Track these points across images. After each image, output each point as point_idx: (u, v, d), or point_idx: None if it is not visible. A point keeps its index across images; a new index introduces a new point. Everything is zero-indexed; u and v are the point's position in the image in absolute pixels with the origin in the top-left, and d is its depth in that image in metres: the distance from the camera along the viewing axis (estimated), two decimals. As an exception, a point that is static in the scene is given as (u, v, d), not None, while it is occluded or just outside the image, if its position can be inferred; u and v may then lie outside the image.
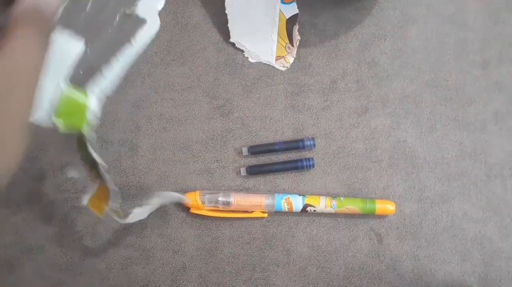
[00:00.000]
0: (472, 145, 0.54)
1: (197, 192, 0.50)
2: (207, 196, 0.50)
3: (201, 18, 0.56)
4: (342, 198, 0.50)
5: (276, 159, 0.53)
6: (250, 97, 0.54)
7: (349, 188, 0.52)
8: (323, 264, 0.50)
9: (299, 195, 0.50)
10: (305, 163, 0.51)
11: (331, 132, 0.54)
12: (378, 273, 0.50)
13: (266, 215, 0.50)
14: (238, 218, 0.51)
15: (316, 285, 0.50)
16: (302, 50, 0.55)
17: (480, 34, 0.57)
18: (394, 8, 0.57)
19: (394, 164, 0.53)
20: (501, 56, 0.56)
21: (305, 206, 0.49)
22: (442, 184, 0.53)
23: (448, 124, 0.54)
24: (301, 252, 0.50)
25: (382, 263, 0.50)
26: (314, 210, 0.49)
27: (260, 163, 0.53)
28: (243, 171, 0.52)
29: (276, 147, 0.52)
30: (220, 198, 0.49)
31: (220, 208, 0.50)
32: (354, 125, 0.54)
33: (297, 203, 0.49)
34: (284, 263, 0.50)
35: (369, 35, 0.56)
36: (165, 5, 0.55)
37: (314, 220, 0.51)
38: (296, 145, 0.52)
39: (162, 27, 0.55)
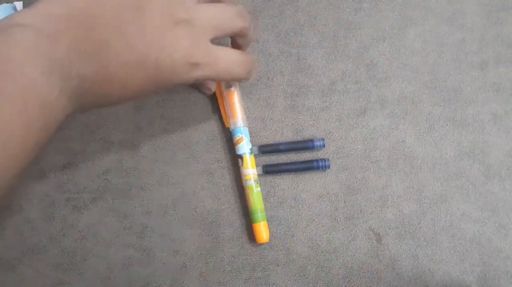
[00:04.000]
0: (471, 146, 0.54)
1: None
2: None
3: (201, 20, 0.56)
4: None
5: (284, 160, 0.53)
6: (250, 98, 0.55)
7: (349, 188, 0.52)
8: (322, 263, 0.50)
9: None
10: (320, 163, 0.51)
11: (330, 132, 0.54)
12: (377, 273, 0.51)
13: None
14: (238, 217, 0.51)
15: (315, 285, 0.50)
16: (301, 51, 0.56)
17: (478, 35, 0.57)
18: (393, 10, 0.58)
19: (393, 164, 0.53)
20: (499, 57, 0.57)
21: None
22: (441, 184, 0.53)
23: (447, 125, 0.55)
24: (301, 251, 0.51)
25: (381, 262, 0.51)
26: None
27: (271, 163, 0.52)
28: (259, 170, 0.52)
29: (282, 147, 0.52)
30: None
31: (223, 91, 0.52)
32: (353, 125, 0.54)
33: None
34: (284, 263, 0.51)
35: (368, 36, 0.57)
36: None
37: (313, 220, 0.51)
38: (305, 145, 0.52)
39: (163, 29, 0.56)
